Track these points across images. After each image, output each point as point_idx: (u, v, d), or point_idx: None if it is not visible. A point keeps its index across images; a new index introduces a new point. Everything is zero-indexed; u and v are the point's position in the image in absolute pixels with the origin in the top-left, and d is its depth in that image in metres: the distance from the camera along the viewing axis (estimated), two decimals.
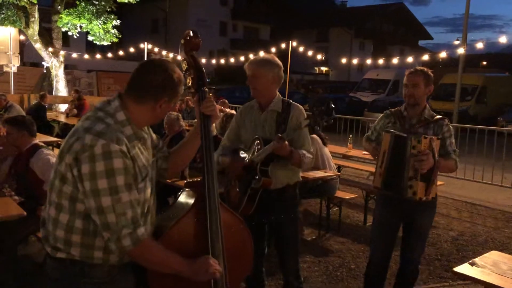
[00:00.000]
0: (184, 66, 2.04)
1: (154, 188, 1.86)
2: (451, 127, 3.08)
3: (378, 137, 3.22)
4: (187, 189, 2.07)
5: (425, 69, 3.07)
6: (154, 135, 1.97)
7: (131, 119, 1.72)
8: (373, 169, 6.84)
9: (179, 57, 2.09)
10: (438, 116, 3.08)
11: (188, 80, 1.99)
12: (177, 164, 2.06)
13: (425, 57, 12.19)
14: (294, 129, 2.74)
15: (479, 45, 9.91)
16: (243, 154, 2.86)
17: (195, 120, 2.06)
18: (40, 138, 6.03)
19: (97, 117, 1.67)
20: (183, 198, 2.03)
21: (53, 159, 3.74)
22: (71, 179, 1.62)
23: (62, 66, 15.40)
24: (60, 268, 1.70)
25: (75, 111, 10.98)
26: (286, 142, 2.59)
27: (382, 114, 3.30)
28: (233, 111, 5.64)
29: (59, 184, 1.65)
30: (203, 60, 16.20)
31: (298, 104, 2.90)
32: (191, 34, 1.99)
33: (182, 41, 2.01)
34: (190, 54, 2.00)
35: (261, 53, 2.83)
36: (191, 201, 1.93)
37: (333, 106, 2.50)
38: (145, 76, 1.73)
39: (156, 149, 1.96)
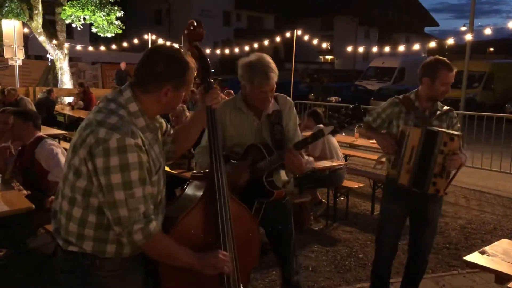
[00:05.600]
0: None
1: (165, 178, 1.86)
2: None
3: (382, 124, 3.08)
4: (194, 181, 2.06)
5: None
6: (162, 121, 1.95)
7: (143, 110, 1.70)
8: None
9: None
10: (447, 108, 3.04)
11: None
12: (182, 145, 2.05)
13: (432, 44, 12.04)
14: (293, 126, 2.64)
15: (487, 31, 9.77)
16: (236, 163, 2.57)
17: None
18: (47, 131, 6.07)
19: (110, 109, 1.65)
20: (190, 190, 2.02)
21: (57, 149, 3.77)
22: (85, 173, 1.60)
23: (67, 58, 15.42)
24: (71, 260, 1.71)
25: (81, 103, 10.97)
26: (301, 152, 2.38)
27: (387, 101, 3.11)
28: None
29: (73, 178, 1.63)
30: (207, 51, 16.14)
31: (281, 94, 2.70)
32: (195, 24, 1.96)
33: (186, 32, 1.98)
34: (194, 44, 1.98)
35: (253, 56, 2.46)
36: (200, 193, 1.92)
37: (362, 110, 2.25)
38: (147, 65, 1.70)
39: (165, 135, 1.96)
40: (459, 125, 3.05)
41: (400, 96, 3.07)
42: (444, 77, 2.88)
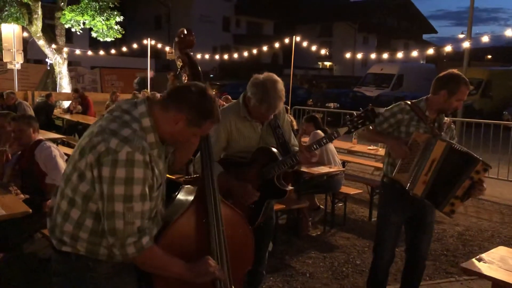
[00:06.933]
0: (179, 64, 2.06)
1: (164, 192, 1.88)
2: None
3: (388, 129, 2.96)
4: (186, 186, 2.08)
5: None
6: None
7: (155, 126, 1.71)
8: (377, 165, 6.84)
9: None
10: (448, 119, 3.05)
11: (184, 78, 2.03)
12: (181, 157, 2.04)
13: (430, 51, 12.10)
14: (287, 126, 2.76)
15: (484, 39, 9.84)
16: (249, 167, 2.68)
17: None
18: (45, 135, 6.08)
19: (124, 120, 1.67)
20: (182, 195, 2.03)
21: (55, 152, 3.83)
22: (89, 178, 1.63)
23: (66, 62, 15.41)
24: (65, 262, 1.72)
25: (79, 108, 10.97)
26: (316, 152, 2.48)
27: (396, 106, 2.97)
28: None
29: (76, 180, 1.66)
30: (206, 56, 16.17)
31: None
32: (185, 32, 2.01)
33: (177, 39, 2.03)
34: (184, 52, 2.02)
35: (267, 79, 2.55)
36: (191, 197, 1.93)
37: (378, 112, 2.36)
38: (185, 88, 1.74)
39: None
40: (456, 138, 3.10)
41: (409, 102, 2.97)
42: (462, 94, 2.85)
